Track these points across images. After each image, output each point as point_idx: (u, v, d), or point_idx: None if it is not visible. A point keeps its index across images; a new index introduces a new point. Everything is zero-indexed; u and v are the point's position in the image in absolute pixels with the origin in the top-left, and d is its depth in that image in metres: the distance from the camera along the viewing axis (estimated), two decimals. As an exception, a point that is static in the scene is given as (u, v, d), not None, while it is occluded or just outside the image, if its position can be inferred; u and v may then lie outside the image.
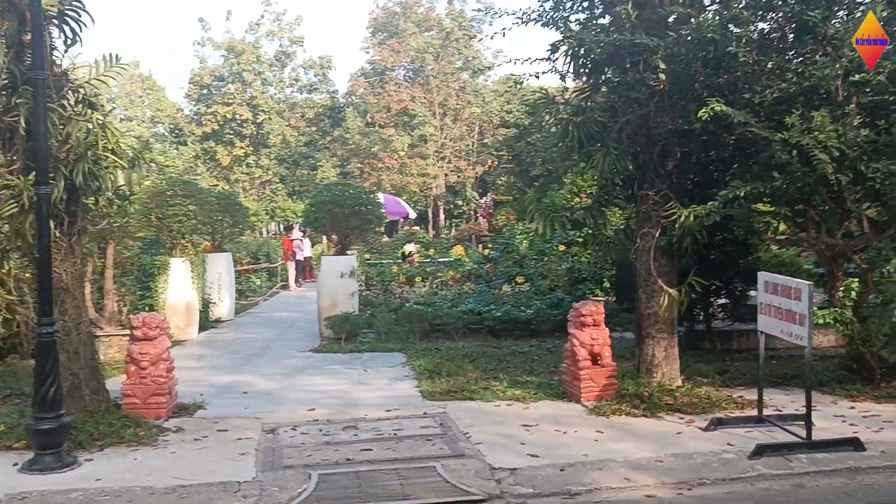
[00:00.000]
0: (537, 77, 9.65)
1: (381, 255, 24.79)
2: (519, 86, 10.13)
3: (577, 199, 16.18)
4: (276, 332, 15.48)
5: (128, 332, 9.50)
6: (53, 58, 7.72)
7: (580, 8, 9.58)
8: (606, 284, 15.69)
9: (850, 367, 9.29)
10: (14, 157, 7.39)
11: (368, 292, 17.40)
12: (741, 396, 8.62)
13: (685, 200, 8.88)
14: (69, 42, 7.80)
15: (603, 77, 9.34)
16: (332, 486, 6.24)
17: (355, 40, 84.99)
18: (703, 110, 7.89)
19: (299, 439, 7.57)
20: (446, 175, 43.19)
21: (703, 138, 8.96)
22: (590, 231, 12.12)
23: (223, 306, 17.03)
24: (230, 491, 6.15)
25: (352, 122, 44.28)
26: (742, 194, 8.27)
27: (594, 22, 9.41)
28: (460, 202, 44.30)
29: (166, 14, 79.92)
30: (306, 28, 79.29)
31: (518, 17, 9.46)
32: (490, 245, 23.23)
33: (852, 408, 8.27)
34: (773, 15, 8.85)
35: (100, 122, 7.81)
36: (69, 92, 7.82)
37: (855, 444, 6.87)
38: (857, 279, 9.03)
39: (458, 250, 23.43)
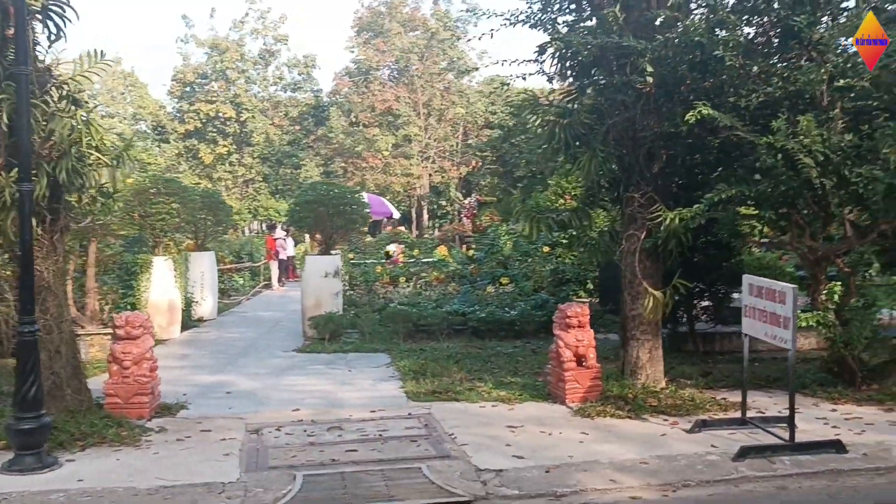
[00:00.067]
0: (524, 78, 9.67)
1: (364, 255, 24.76)
2: (506, 87, 10.16)
3: (562, 201, 16.22)
4: (260, 331, 15.39)
5: (110, 330, 9.42)
6: (37, 53, 7.64)
7: (568, 10, 9.62)
8: (590, 286, 15.74)
9: (831, 369, 9.38)
10: (-4, 154, 7.29)
11: (352, 292, 17.36)
12: (724, 398, 8.68)
13: (670, 203, 8.93)
14: (53, 38, 7.72)
15: (590, 79, 9.37)
16: (317, 487, 6.21)
17: (340, 39, 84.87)
18: (690, 114, 7.94)
19: (284, 440, 7.53)
20: (430, 175, 43.21)
21: (688, 141, 9.01)
22: (575, 233, 12.15)
23: (206, 305, 16.95)
24: (214, 492, 6.10)
25: (336, 121, 44.13)
26: (727, 197, 8.33)
27: (582, 24, 9.43)
28: (444, 202, 44.29)
29: (150, 10, 79.54)
30: (291, 26, 78.98)
31: (506, 19, 9.48)
32: (474, 246, 23.27)
33: (834, 410, 8.35)
34: (760, 19, 8.93)
35: (84, 118, 7.74)
36: (53, 88, 7.74)
37: (837, 446, 6.94)
38: (839, 282, 9.11)
39: (441, 251, 23.42)
